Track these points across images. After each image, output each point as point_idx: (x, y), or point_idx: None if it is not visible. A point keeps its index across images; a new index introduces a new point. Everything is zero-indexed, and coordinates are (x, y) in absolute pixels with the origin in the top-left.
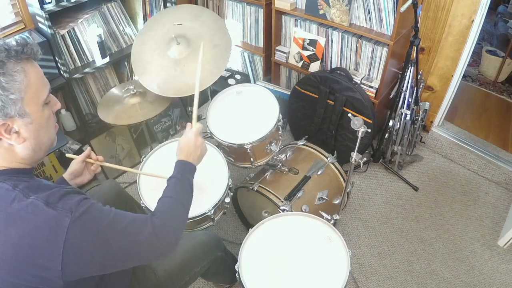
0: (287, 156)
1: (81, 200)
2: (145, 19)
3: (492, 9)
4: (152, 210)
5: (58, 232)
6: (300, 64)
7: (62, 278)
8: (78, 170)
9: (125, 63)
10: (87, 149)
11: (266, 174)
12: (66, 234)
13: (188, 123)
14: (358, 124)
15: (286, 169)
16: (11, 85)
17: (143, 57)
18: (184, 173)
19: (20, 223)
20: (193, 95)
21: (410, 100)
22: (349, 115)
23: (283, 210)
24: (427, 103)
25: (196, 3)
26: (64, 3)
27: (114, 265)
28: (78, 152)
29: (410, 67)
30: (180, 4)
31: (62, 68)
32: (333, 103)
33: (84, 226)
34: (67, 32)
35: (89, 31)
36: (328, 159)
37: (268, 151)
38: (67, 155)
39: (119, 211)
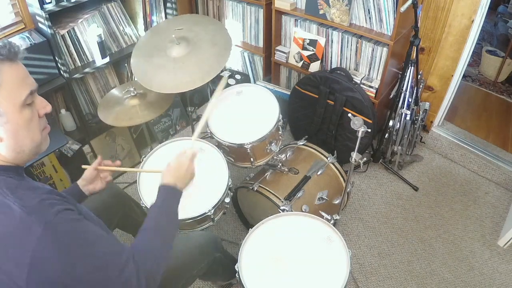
0: (287, 156)
1: (61, 211)
2: (145, 19)
3: (492, 9)
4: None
5: (28, 240)
6: (300, 64)
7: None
8: (90, 176)
9: (125, 64)
10: (98, 157)
11: (266, 174)
12: (36, 245)
13: (183, 150)
14: (358, 124)
15: (286, 169)
16: None
17: (144, 63)
18: (169, 202)
19: None
20: (192, 95)
21: (410, 100)
22: (349, 115)
23: (283, 210)
24: (427, 103)
25: (196, 3)
26: (64, 3)
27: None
28: (78, 152)
29: (410, 67)
30: (180, 4)
31: (62, 68)
32: (333, 103)
33: (55, 241)
34: (67, 32)
35: (89, 31)
36: (328, 159)
37: (268, 151)
38: (83, 166)
39: (106, 237)
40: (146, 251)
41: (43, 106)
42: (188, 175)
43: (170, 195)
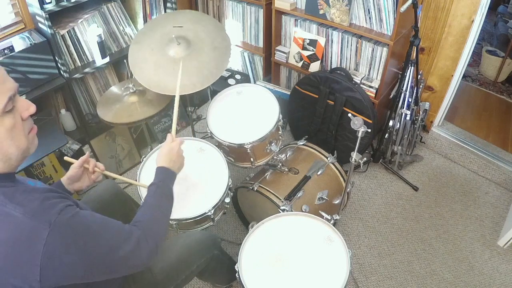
0: (287, 156)
1: (63, 209)
2: (145, 19)
3: (492, 9)
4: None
5: (36, 243)
6: (300, 64)
7: None
8: (76, 175)
9: (125, 60)
10: (86, 154)
11: (266, 174)
12: (44, 246)
13: (169, 134)
14: (358, 124)
15: (286, 169)
16: None
17: (140, 55)
18: (165, 181)
19: None
20: (192, 94)
21: (410, 100)
22: (349, 115)
23: (283, 210)
24: (427, 103)
25: (196, 3)
26: (64, 3)
27: (97, 276)
28: (78, 152)
29: (410, 67)
30: (180, 4)
31: (62, 68)
32: (333, 103)
33: (63, 239)
34: (67, 32)
35: (89, 31)
36: (328, 159)
37: (268, 151)
38: (66, 158)
39: (106, 220)
40: (148, 219)
41: (26, 108)
42: (180, 159)
43: (165, 175)
